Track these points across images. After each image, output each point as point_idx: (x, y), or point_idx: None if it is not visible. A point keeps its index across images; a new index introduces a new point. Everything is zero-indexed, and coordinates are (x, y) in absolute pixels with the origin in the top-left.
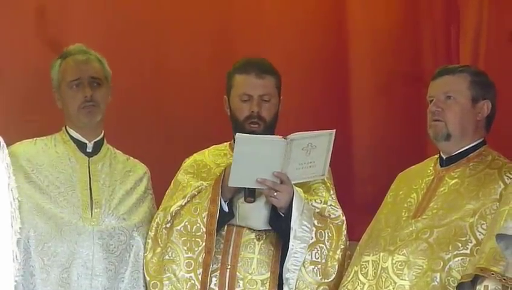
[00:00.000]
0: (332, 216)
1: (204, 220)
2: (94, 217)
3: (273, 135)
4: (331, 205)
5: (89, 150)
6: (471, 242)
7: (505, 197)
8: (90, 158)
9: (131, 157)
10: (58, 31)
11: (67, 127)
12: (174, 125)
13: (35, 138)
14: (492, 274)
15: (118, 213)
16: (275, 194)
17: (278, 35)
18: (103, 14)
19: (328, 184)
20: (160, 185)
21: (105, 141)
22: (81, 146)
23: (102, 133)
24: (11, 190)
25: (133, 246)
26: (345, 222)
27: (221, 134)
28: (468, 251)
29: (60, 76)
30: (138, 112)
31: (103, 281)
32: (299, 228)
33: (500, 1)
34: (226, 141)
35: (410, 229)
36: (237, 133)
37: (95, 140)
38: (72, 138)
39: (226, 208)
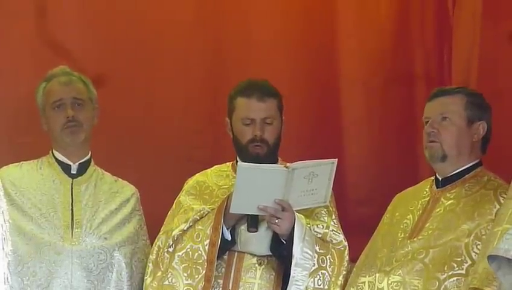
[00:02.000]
0: (334, 241)
1: (206, 248)
2: (74, 237)
3: (276, 156)
4: (333, 230)
5: (74, 171)
6: (466, 262)
7: (498, 218)
8: (74, 179)
9: (120, 179)
10: (57, 36)
11: (53, 150)
12: (165, 147)
13: (21, 162)
14: None
15: (99, 233)
16: (277, 221)
17: (270, 55)
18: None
19: (331, 208)
20: (150, 207)
21: (92, 162)
22: (66, 168)
23: (89, 155)
24: (2, 213)
25: (114, 265)
26: (347, 248)
27: (212, 157)
28: (463, 271)
29: (44, 99)
30: (128, 134)
31: None
32: (300, 255)
33: (494, 11)
34: (217, 164)
35: (406, 249)
36: (239, 162)
37: (80, 161)
38: (57, 160)
39: (228, 236)
